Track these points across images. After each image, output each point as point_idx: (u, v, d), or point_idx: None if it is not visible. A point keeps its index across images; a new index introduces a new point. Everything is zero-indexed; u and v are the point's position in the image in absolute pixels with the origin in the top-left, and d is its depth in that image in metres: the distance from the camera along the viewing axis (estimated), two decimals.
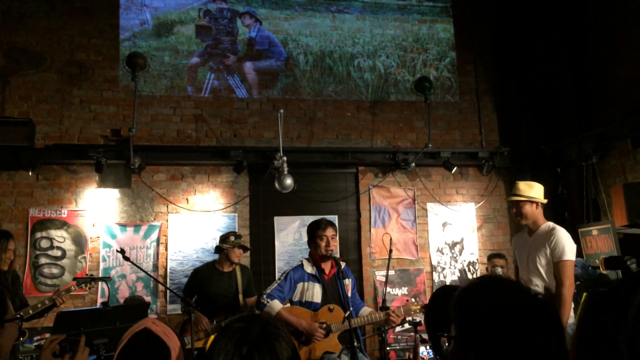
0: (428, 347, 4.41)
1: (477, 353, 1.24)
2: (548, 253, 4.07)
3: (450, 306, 1.35)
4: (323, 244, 4.15)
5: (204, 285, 5.08)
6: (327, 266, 4.25)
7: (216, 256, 5.32)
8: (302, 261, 4.29)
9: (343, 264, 4.29)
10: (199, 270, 5.28)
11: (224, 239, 5.21)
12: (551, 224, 4.23)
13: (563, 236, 4.07)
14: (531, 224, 4.28)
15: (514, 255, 4.41)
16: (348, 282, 4.24)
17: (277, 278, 4.39)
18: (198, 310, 4.41)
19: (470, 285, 1.37)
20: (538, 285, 4.07)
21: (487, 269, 6.06)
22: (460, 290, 1.36)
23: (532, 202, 4.24)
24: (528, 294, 1.29)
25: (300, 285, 4.16)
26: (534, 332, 1.22)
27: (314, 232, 4.22)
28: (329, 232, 4.19)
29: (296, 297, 4.17)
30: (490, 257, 6.06)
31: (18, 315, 3.87)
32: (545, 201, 4.33)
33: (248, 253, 6.15)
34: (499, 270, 5.78)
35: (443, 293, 2.14)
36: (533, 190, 4.26)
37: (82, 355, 2.32)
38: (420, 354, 4.36)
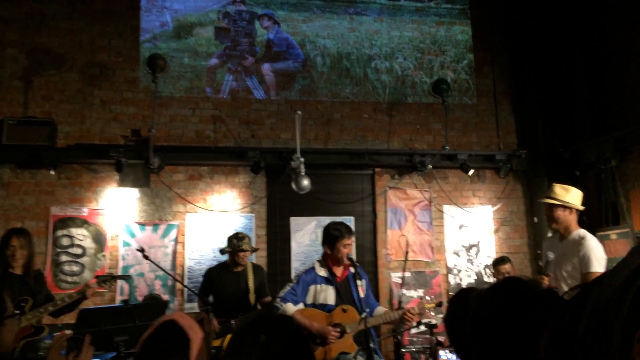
0: (448, 350, 4.41)
1: None
2: (576, 261, 3.89)
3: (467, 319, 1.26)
4: (346, 251, 4.16)
5: (216, 285, 5.04)
6: (339, 269, 4.27)
7: None
8: (313, 264, 4.31)
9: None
10: (211, 270, 5.22)
11: (228, 241, 5.12)
12: (583, 231, 4.01)
13: (593, 246, 3.87)
14: (562, 229, 4.07)
15: (543, 259, 4.27)
16: (361, 283, 4.21)
17: (290, 281, 4.42)
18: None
19: (484, 297, 1.27)
20: None
21: (493, 274, 5.87)
22: (475, 303, 1.27)
23: (565, 207, 4.02)
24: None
25: (312, 288, 4.18)
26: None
27: (336, 240, 4.16)
28: (351, 240, 4.23)
29: (309, 300, 4.18)
30: (495, 264, 5.72)
31: (16, 312, 3.95)
32: (581, 208, 4.08)
33: (265, 253, 6.21)
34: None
35: (462, 296, 2.10)
36: (569, 195, 4.04)
37: (87, 355, 2.34)
38: (440, 357, 4.36)
